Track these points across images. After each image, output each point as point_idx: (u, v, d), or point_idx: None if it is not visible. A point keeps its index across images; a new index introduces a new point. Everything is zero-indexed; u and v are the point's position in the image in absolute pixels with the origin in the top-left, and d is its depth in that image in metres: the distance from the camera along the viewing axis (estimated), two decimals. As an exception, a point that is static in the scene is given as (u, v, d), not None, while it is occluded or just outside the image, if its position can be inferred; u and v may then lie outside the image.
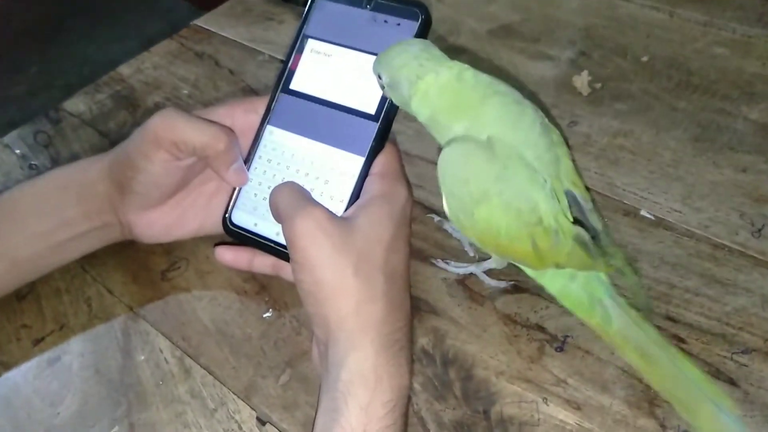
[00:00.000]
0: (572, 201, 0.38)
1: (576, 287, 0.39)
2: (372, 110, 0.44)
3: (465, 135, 0.37)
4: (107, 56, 1.87)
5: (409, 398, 0.38)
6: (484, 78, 0.38)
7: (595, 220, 0.38)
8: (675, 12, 0.68)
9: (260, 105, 0.46)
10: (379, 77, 0.40)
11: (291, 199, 0.38)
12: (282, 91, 0.47)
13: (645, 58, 0.64)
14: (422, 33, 0.44)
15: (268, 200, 0.41)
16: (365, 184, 0.42)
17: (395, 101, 0.41)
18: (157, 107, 0.65)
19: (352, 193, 0.43)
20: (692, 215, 0.49)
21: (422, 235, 0.50)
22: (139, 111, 0.65)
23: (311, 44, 0.47)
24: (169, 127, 0.42)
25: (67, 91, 0.70)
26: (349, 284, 0.35)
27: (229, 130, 0.43)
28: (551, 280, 0.40)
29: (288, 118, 0.46)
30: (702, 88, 0.60)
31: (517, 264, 0.41)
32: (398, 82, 0.39)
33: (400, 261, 0.38)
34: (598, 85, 0.61)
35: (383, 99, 0.43)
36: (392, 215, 0.39)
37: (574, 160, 0.39)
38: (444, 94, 0.37)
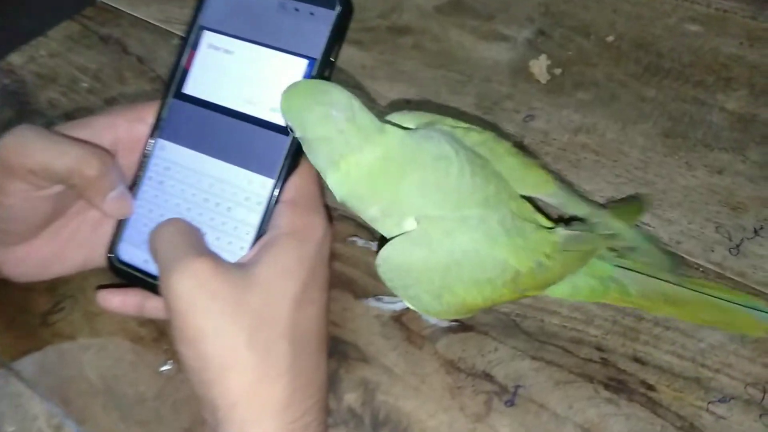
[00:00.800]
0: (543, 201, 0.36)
1: (582, 281, 0.36)
2: (283, 121, 0.36)
3: (383, 217, 0.32)
4: None
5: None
6: (412, 146, 0.32)
7: (574, 206, 0.37)
8: (645, -17, 0.60)
9: (149, 113, 0.38)
10: (289, 127, 0.33)
11: (170, 245, 0.31)
12: (174, 96, 0.38)
13: (611, 38, 0.56)
14: (341, 24, 0.36)
15: None
16: (274, 213, 0.34)
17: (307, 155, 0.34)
18: (51, 105, 0.55)
19: (260, 225, 0.35)
20: (663, 228, 0.43)
21: (352, 260, 0.43)
22: (28, 109, 0.55)
23: (208, 38, 0.38)
24: (23, 151, 0.33)
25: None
26: (241, 360, 0.28)
27: (102, 152, 0.35)
28: (555, 291, 0.36)
29: (183, 130, 0.38)
30: (674, 72, 0.53)
31: None
32: (315, 151, 0.32)
33: (313, 317, 0.31)
34: (558, 71, 0.54)
35: (295, 107, 0.35)
36: (303, 259, 0.31)
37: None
38: (364, 177, 0.31)
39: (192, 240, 0.32)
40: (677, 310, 0.36)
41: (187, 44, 0.38)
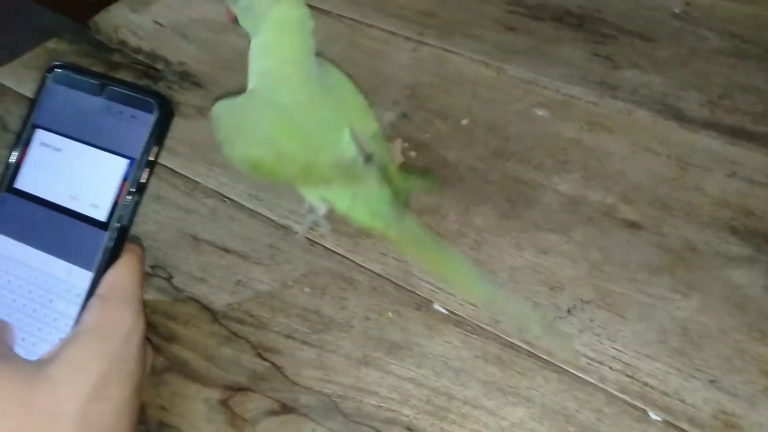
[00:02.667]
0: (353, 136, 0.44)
1: (359, 205, 0.45)
2: (102, 217, 0.38)
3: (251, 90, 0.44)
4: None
5: None
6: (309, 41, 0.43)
7: (375, 145, 0.45)
8: (503, 68, 0.65)
9: (-19, 207, 0.40)
10: None
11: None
12: (6, 190, 0.40)
13: (465, 122, 0.61)
14: (160, 126, 0.38)
15: None
16: (85, 308, 0.36)
17: (242, 23, 0.45)
18: None
19: (78, 317, 0.37)
20: (485, 309, 0.46)
21: (190, 344, 0.44)
22: None
23: (40, 135, 0.40)
24: None
25: None
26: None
27: None
28: (339, 200, 0.46)
29: (11, 222, 0.39)
30: (517, 155, 0.57)
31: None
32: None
33: (108, 412, 0.33)
34: (413, 154, 0.58)
35: (115, 204, 0.38)
36: (102, 356, 0.33)
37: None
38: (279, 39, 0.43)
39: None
40: (421, 254, 0.48)
41: (20, 141, 0.41)
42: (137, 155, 0.38)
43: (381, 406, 0.41)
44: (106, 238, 0.37)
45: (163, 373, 0.43)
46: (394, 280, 0.48)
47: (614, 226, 0.51)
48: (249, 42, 0.44)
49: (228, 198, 0.54)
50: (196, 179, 0.56)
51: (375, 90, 0.64)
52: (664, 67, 0.65)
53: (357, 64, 0.67)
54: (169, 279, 0.48)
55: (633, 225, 0.52)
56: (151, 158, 0.39)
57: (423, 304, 0.47)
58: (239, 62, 0.45)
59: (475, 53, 0.67)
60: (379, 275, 0.48)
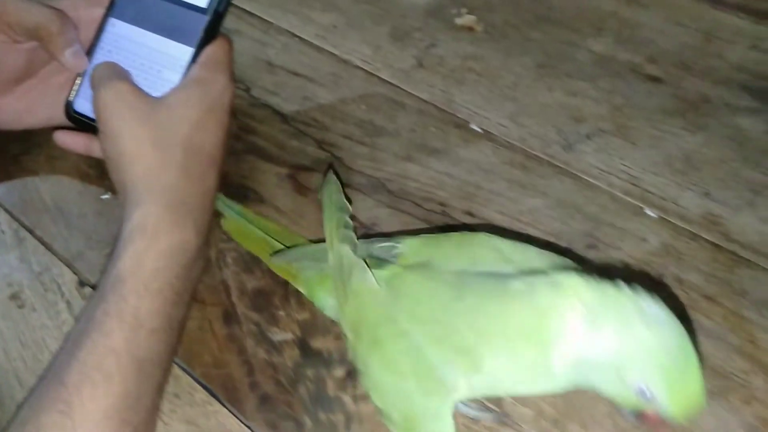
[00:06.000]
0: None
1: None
2: (203, 3, 0.46)
3: None
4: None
5: (207, 261, 0.42)
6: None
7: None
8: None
9: (103, -1, 0.49)
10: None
11: (103, 73, 0.41)
12: (125, -15, 0.49)
13: (513, -8, 0.67)
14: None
15: None
16: (189, 71, 0.45)
17: None
18: None
19: (181, 80, 0.46)
20: (515, 130, 0.54)
21: (265, 135, 0.53)
22: None
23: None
24: (2, 8, 0.44)
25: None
26: (146, 153, 0.38)
27: (63, 14, 0.45)
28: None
29: (128, 11, 0.48)
30: (558, 21, 0.64)
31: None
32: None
33: (208, 141, 0.42)
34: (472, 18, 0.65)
35: (212, -8, 0.46)
36: (203, 98, 0.42)
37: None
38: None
39: (120, 72, 0.42)
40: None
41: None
42: None
43: (420, 189, 0.49)
44: (206, 21, 0.46)
45: (241, 154, 0.52)
46: (438, 105, 0.56)
47: (638, 80, 0.58)
48: None
49: (298, 36, 0.63)
50: (271, 20, 0.64)
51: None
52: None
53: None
54: (247, 90, 0.57)
55: (655, 79, 0.58)
56: None
57: (462, 124, 0.54)
58: None
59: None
60: (426, 101, 0.56)
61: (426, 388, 0.31)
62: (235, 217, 0.46)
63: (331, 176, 0.46)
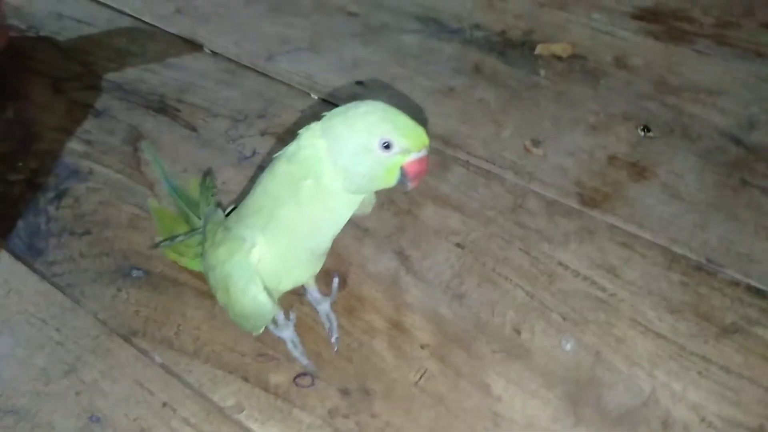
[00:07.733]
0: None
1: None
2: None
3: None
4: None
5: None
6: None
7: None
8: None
9: None
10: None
11: None
12: None
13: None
14: None
15: None
16: None
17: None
18: None
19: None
20: (234, 49, 0.71)
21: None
22: None
23: None
24: None
25: None
26: None
27: None
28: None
29: None
30: None
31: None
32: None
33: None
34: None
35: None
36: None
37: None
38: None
39: None
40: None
41: None
42: None
43: (149, 87, 0.66)
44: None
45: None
46: (184, 37, 0.73)
47: (341, 14, 0.76)
48: None
49: (87, -5, 0.80)
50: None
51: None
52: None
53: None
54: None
55: (353, 14, 0.77)
56: None
57: (197, 48, 0.72)
58: None
59: None
60: (174, 34, 0.74)
61: (231, 250, 0.39)
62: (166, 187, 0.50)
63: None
